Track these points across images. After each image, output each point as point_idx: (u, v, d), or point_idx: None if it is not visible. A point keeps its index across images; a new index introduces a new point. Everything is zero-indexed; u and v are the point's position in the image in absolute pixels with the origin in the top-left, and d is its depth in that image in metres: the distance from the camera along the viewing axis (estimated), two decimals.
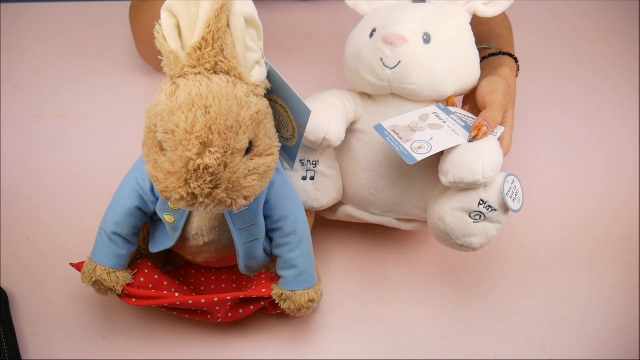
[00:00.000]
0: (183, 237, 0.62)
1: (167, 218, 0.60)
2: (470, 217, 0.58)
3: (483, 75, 0.67)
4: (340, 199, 0.68)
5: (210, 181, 0.49)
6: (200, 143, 0.48)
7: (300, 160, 0.64)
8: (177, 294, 0.63)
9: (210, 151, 0.48)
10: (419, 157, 0.55)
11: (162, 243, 0.64)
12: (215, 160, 0.48)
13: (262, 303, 0.64)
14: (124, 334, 0.68)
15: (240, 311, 0.64)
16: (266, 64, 0.55)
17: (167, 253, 0.71)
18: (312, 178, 0.64)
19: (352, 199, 0.68)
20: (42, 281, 0.71)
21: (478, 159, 0.56)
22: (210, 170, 0.48)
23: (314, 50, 0.97)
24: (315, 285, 0.63)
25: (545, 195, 0.81)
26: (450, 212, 0.58)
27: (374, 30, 0.63)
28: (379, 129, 0.59)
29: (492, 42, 0.76)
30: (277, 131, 0.58)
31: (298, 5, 1.04)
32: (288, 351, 0.67)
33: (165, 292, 0.63)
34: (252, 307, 0.64)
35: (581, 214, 0.79)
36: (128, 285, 0.62)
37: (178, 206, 0.52)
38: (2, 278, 0.71)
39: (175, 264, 0.72)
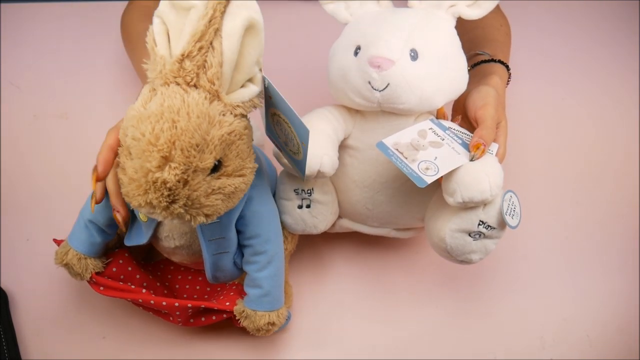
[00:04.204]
0: (156, 237, 0.61)
1: (141, 216, 0.60)
2: (470, 236, 0.58)
3: (473, 83, 0.66)
4: (336, 217, 0.68)
5: (168, 195, 0.49)
6: (162, 157, 0.48)
7: (295, 190, 0.63)
8: (143, 290, 0.64)
9: (170, 166, 0.48)
10: (429, 180, 0.55)
11: (136, 238, 0.63)
12: (174, 176, 0.48)
13: (225, 315, 0.64)
14: (124, 334, 0.68)
15: (202, 319, 0.64)
16: (264, 79, 0.54)
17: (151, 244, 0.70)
18: (308, 206, 0.63)
19: (349, 214, 0.68)
20: (42, 281, 0.71)
21: (484, 177, 0.55)
22: (168, 185, 0.48)
23: (314, 50, 0.97)
24: (278, 308, 0.62)
25: (545, 195, 0.81)
26: (450, 233, 0.58)
27: (358, 48, 0.61)
28: (382, 147, 0.58)
29: (486, 48, 0.75)
30: (285, 145, 0.58)
31: (298, 5, 1.04)
32: (294, 350, 0.67)
33: (133, 287, 0.63)
34: (214, 317, 0.64)
35: (581, 214, 0.79)
36: (98, 273, 0.63)
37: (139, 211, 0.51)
38: (2, 278, 0.71)
39: (156, 257, 0.72)
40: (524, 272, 0.73)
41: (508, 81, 0.72)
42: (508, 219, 0.57)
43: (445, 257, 0.61)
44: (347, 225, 0.69)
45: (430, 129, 0.60)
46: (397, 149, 0.57)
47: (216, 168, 0.51)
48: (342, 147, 0.64)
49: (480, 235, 0.58)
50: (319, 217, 0.64)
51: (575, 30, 1.02)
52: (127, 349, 0.67)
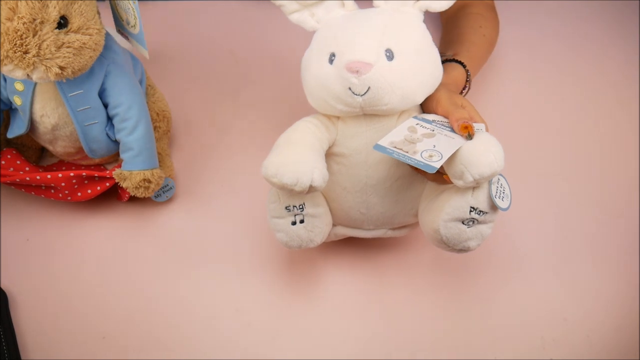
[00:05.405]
0: (34, 123, 0.70)
1: (16, 100, 0.69)
2: (463, 224, 0.58)
3: None
4: (331, 227, 0.67)
5: (20, 45, 0.59)
6: (9, 8, 0.58)
7: (286, 207, 0.62)
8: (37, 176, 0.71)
9: (18, 17, 0.58)
10: (438, 165, 0.55)
11: (17, 129, 0.72)
12: (23, 25, 0.59)
13: (107, 184, 0.73)
14: (124, 334, 0.68)
15: (89, 191, 0.73)
16: None
17: (43, 152, 0.81)
18: (302, 221, 0.62)
19: (344, 220, 0.67)
20: (42, 281, 0.71)
21: (487, 151, 0.55)
22: (19, 33, 0.59)
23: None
24: (152, 168, 0.72)
25: (545, 194, 0.81)
26: (443, 224, 0.58)
27: (332, 55, 0.61)
28: (380, 148, 0.58)
29: (453, 48, 0.76)
30: (127, 23, 0.69)
31: None
32: (290, 350, 0.67)
33: (22, 172, 0.72)
34: (98, 188, 0.73)
35: (581, 213, 0.79)
36: None
37: (4, 72, 0.61)
38: (2, 278, 0.71)
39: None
40: (524, 272, 0.73)
41: (467, 79, 0.73)
42: (498, 201, 0.57)
43: (443, 248, 0.61)
44: (343, 232, 0.69)
45: (417, 124, 0.61)
46: (395, 147, 0.57)
47: (63, 25, 0.61)
48: (328, 155, 0.64)
49: (473, 222, 0.58)
50: (314, 230, 0.63)
51: (575, 28, 1.03)
52: (127, 349, 0.67)
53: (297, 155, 0.59)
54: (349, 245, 0.74)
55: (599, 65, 0.97)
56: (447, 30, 0.86)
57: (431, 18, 0.98)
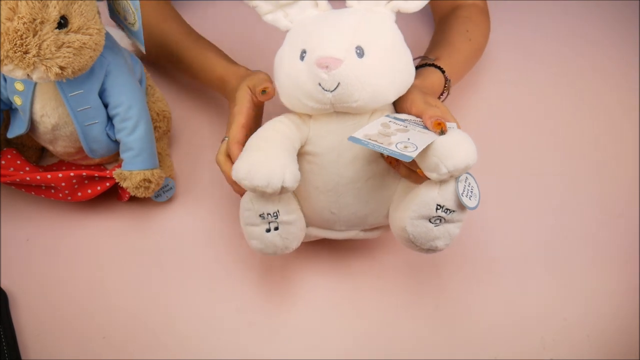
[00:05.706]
0: (34, 123, 0.70)
1: (16, 100, 0.69)
2: (430, 222, 0.58)
3: None
4: (305, 231, 0.67)
5: (20, 44, 0.59)
6: (9, 8, 0.58)
7: (260, 215, 0.61)
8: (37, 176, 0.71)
9: (18, 17, 0.58)
10: (414, 154, 0.55)
11: (17, 129, 0.72)
12: (23, 25, 0.58)
13: (108, 184, 0.73)
14: (124, 334, 0.68)
15: (89, 191, 0.73)
16: None
17: (43, 151, 0.81)
18: (277, 228, 0.62)
19: (315, 221, 0.67)
20: (42, 281, 0.71)
21: (460, 145, 0.55)
22: (19, 33, 0.58)
23: None
24: (152, 168, 0.72)
25: (545, 194, 0.81)
26: (410, 221, 0.58)
27: (304, 52, 0.61)
28: (355, 140, 0.58)
29: (436, 51, 0.76)
30: (124, 19, 0.69)
31: None
32: (290, 351, 0.67)
33: (22, 172, 0.73)
34: (99, 188, 0.73)
35: (581, 213, 0.79)
36: None
37: (4, 72, 0.61)
38: (2, 278, 0.71)
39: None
40: (523, 272, 0.73)
41: (446, 85, 0.73)
42: (465, 200, 0.57)
43: (411, 248, 0.61)
44: (315, 233, 0.68)
45: (390, 121, 0.61)
46: (369, 139, 0.57)
47: (63, 25, 0.61)
48: (300, 154, 0.63)
49: (440, 220, 0.58)
50: (289, 237, 0.63)
51: (566, 21, 1.03)
52: (127, 349, 0.67)
53: (268, 156, 0.58)
54: (320, 249, 0.74)
55: (594, 65, 0.97)
56: (436, 32, 0.86)
57: (426, 17, 0.99)
